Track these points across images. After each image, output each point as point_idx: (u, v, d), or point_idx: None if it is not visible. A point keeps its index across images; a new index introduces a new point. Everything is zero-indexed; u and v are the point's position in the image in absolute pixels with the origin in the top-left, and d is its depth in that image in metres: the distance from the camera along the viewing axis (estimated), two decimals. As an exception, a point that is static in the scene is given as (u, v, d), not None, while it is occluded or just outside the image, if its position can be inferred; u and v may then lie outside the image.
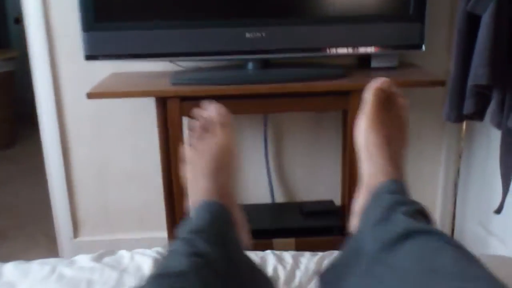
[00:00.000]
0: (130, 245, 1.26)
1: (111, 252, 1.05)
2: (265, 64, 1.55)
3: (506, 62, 1.26)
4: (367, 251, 0.68)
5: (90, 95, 1.43)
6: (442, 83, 1.46)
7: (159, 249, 1.04)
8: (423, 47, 1.50)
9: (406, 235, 0.63)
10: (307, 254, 1.01)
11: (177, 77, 1.49)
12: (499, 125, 1.31)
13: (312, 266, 0.96)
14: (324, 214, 1.72)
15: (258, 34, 1.46)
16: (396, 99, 0.86)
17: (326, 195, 1.87)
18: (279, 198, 1.88)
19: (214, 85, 1.45)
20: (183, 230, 0.73)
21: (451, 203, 1.89)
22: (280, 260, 0.99)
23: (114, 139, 1.81)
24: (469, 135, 1.79)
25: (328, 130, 1.82)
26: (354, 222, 0.81)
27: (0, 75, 3.14)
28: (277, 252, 1.03)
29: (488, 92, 1.30)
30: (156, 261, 0.98)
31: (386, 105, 0.84)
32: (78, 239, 1.91)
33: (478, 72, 1.25)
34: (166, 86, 1.46)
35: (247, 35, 1.46)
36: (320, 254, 1.01)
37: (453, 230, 1.91)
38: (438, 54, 1.72)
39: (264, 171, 1.83)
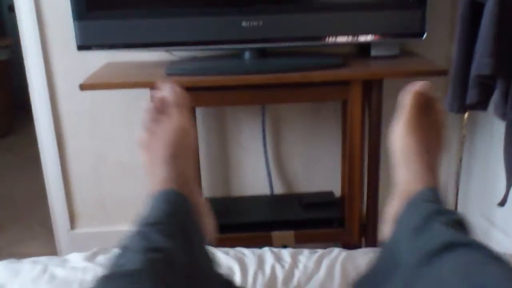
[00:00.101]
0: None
1: (105, 250, 1.02)
2: (262, 54, 1.52)
3: (511, 51, 1.23)
4: (405, 263, 0.65)
5: (83, 87, 1.40)
6: (444, 73, 1.43)
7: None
8: (424, 35, 1.47)
9: (446, 247, 0.60)
10: (305, 252, 0.99)
11: (172, 68, 1.47)
12: (503, 116, 1.28)
13: (311, 265, 0.93)
14: (324, 206, 1.70)
15: (255, 23, 1.43)
16: (434, 104, 0.83)
17: (326, 186, 1.84)
18: (278, 190, 1.85)
19: (210, 76, 1.43)
20: (138, 222, 0.68)
21: (453, 194, 1.87)
22: (278, 258, 0.97)
23: (110, 130, 1.78)
24: (471, 126, 1.75)
25: (328, 120, 1.79)
26: (386, 230, 0.77)
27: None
28: (275, 250, 1.00)
29: (492, 82, 1.27)
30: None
31: (425, 109, 0.82)
32: (75, 230, 1.89)
33: (482, 62, 1.22)
34: (161, 77, 1.43)
35: (244, 23, 1.43)
36: (319, 252, 0.98)
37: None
38: (440, 42, 1.69)
39: (263, 162, 1.80)
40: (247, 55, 1.52)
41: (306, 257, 0.96)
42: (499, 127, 1.45)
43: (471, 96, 1.31)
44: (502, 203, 1.37)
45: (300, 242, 1.63)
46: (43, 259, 0.99)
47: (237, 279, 0.92)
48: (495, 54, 1.20)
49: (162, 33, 1.44)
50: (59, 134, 1.77)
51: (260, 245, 1.80)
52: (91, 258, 0.99)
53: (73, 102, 1.73)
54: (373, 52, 1.56)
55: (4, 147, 3.15)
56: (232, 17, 1.42)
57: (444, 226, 0.64)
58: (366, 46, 1.58)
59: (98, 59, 1.63)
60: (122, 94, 1.72)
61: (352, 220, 1.57)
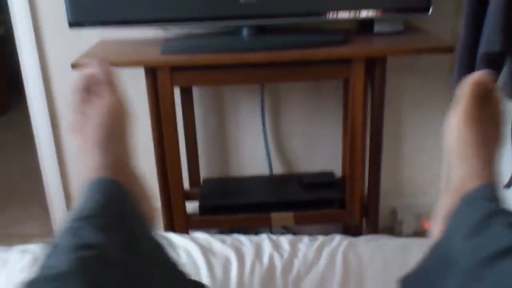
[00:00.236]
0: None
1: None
2: (261, 30, 1.47)
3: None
4: (462, 264, 0.62)
5: (75, 65, 1.36)
6: (450, 50, 1.38)
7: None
8: (430, 11, 1.42)
9: (508, 251, 0.57)
10: (305, 239, 0.95)
11: (167, 45, 1.42)
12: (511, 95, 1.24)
13: (310, 254, 0.90)
14: (324, 186, 1.66)
15: (253, -2, 1.38)
16: (494, 95, 0.79)
17: (326, 166, 1.81)
18: (277, 170, 1.82)
19: (207, 53, 1.39)
20: (70, 217, 0.62)
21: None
22: (277, 247, 0.93)
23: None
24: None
25: (329, 98, 1.74)
26: (438, 226, 0.73)
27: (-11, 40, 3.05)
28: (274, 237, 0.96)
29: (500, 59, 1.23)
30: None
31: (483, 101, 0.77)
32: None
33: (490, 39, 1.17)
34: (155, 55, 1.40)
35: (241, -1, 1.38)
36: (319, 239, 0.95)
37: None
38: (446, 18, 1.63)
39: (261, 141, 1.76)
40: (245, 32, 1.47)
41: (306, 245, 0.93)
42: (506, 106, 1.41)
43: (478, 74, 1.27)
44: (509, 185, 1.34)
45: (300, 223, 1.60)
46: (32, 247, 0.96)
47: (234, 269, 0.88)
48: (505, 30, 1.15)
49: (156, 9, 1.40)
50: (53, 114, 1.73)
51: (259, 227, 1.79)
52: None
53: (67, 81, 1.69)
54: (376, 28, 1.51)
55: (1, 124, 3.11)
56: (230, -8, 1.37)
57: (505, 228, 0.61)
58: (368, 22, 1.52)
59: (91, 38, 1.59)
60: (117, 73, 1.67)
61: (353, 201, 1.54)
